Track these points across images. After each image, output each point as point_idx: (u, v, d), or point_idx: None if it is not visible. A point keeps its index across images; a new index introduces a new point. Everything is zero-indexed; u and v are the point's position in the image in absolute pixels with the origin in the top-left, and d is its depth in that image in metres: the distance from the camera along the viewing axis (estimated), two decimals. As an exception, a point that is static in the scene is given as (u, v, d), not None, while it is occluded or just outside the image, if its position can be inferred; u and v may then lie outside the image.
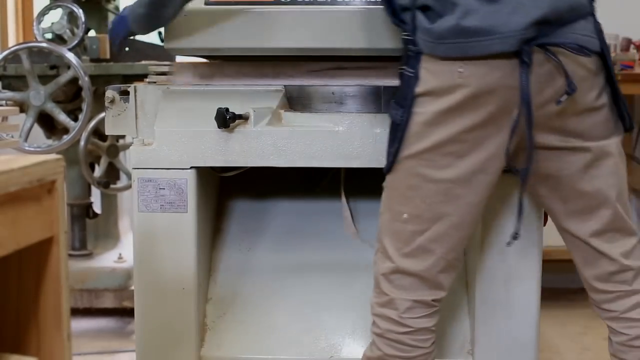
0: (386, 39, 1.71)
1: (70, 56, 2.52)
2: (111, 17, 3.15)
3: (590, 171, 1.54)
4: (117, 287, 3.01)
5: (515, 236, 1.54)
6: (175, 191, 1.74)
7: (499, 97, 1.43)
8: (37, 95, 2.56)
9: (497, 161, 1.48)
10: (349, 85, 1.80)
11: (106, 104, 1.79)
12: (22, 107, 2.55)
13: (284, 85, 1.82)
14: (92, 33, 3.08)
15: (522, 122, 1.44)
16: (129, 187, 2.97)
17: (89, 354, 2.76)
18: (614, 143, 1.56)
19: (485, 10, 1.41)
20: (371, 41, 1.75)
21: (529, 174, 1.51)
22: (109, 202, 3.30)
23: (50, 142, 2.78)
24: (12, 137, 2.30)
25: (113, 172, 3.06)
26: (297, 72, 1.86)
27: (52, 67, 2.74)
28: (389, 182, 1.54)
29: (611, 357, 1.67)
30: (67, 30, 2.84)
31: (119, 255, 3.13)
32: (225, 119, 1.67)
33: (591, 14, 1.51)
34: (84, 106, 2.55)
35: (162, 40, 2.90)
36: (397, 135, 1.49)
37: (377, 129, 1.71)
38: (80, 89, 2.68)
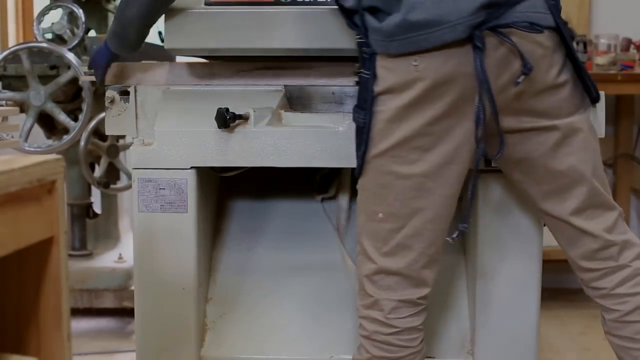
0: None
1: (70, 56, 2.52)
2: (111, 17, 3.15)
3: (561, 149, 1.53)
4: (117, 287, 3.01)
5: (462, 228, 1.52)
6: (175, 191, 1.74)
7: (458, 86, 1.42)
8: (37, 95, 2.56)
9: (465, 150, 1.47)
10: (348, 85, 1.80)
11: (106, 104, 1.79)
12: (22, 107, 2.55)
13: (284, 85, 1.82)
14: (92, 33, 3.08)
15: (486, 108, 1.44)
16: (129, 187, 2.97)
17: (89, 354, 2.76)
18: (582, 118, 1.55)
19: (431, 1, 1.41)
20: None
21: (501, 158, 1.50)
22: (109, 202, 3.30)
23: (50, 142, 2.78)
24: (12, 137, 2.30)
25: (113, 172, 3.06)
26: (228, 71, 1.85)
27: (52, 67, 2.73)
28: (361, 184, 1.54)
29: (606, 335, 1.66)
30: (67, 30, 2.84)
31: (119, 255, 3.13)
32: (225, 119, 1.67)
33: None
34: (84, 106, 2.55)
35: (162, 40, 2.91)
36: (362, 138, 1.50)
37: (377, 129, 1.71)
38: (80, 89, 2.68)
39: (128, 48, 1.76)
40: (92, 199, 3.21)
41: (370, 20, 1.46)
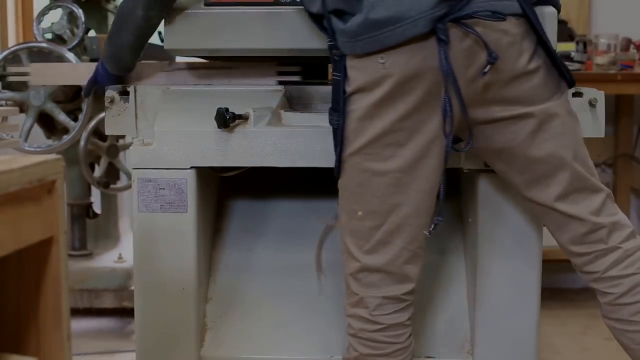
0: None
1: (70, 56, 2.52)
2: (111, 17, 3.15)
3: (539, 136, 1.53)
4: (117, 287, 3.01)
5: (436, 221, 1.53)
6: (175, 191, 1.74)
7: (425, 80, 1.43)
8: (37, 95, 2.55)
9: (438, 144, 1.48)
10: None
11: (106, 104, 1.79)
12: (22, 107, 2.55)
13: (284, 85, 1.82)
14: (92, 33, 3.08)
15: (452, 101, 1.44)
16: (129, 187, 2.97)
17: (89, 354, 2.76)
18: (558, 104, 1.54)
19: None
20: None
21: (470, 150, 1.50)
22: (109, 202, 3.30)
23: (50, 142, 2.78)
24: (12, 137, 2.30)
25: (113, 172, 3.06)
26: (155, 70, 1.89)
27: (52, 67, 2.73)
28: (340, 184, 1.55)
29: (603, 320, 1.66)
30: (67, 30, 2.84)
31: (119, 255, 3.13)
32: (225, 119, 1.67)
33: None
34: (84, 106, 2.55)
35: (162, 41, 2.91)
36: (338, 138, 1.51)
37: (377, 129, 1.71)
38: (80, 89, 2.67)
39: (125, 69, 1.83)
40: (92, 199, 3.21)
41: (336, 22, 1.48)
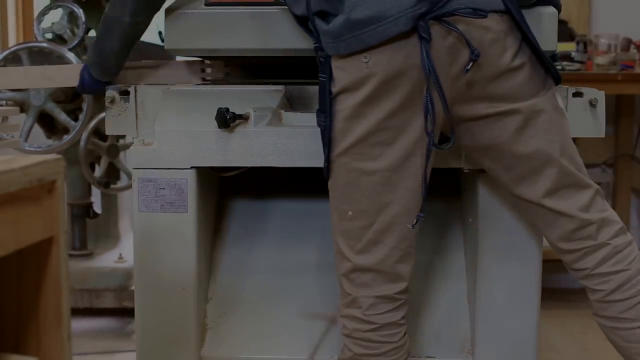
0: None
1: (71, 56, 2.52)
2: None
3: (525, 132, 1.53)
4: (117, 287, 3.01)
5: (418, 217, 1.52)
6: (175, 191, 1.74)
7: (409, 79, 1.43)
8: (37, 95, 2.56)
9: (424, 142, 1.48)
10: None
11: (106, 103, 1.79)
12: (22, 107, 2.55)
13: (284, 85, 1.82)
14: (92, 33, 3.07)
15: (434, 99, 1.44)
16: (129, 187, 2.97)
17: (89, 354, 2.76)
18: (544, 100, 1.54)
19: None
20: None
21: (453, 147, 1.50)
22: (109, 202, 3.30)
23: (50, 142, 2.78)
24: (13, 137, 2.30)
25: (113, 172, 3.06)
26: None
27: (52, 67, 2.73)
28: (330, 184, 1.56)
29: (594, 318, 1.65)
30: (68, 30, 2.84)
31: (119, 255, 3.13)
32: (225, 119, 1.67)
33: None
34: (84, 106, 2.55)
35: (162, 40, 2.91)
36: (325, 139, 1.51)
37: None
38: (80, 89, 2.67)
39: (111, 75, 1.84)
40: (92, 199, 3.21)
41: (320, 24, 1.48)
